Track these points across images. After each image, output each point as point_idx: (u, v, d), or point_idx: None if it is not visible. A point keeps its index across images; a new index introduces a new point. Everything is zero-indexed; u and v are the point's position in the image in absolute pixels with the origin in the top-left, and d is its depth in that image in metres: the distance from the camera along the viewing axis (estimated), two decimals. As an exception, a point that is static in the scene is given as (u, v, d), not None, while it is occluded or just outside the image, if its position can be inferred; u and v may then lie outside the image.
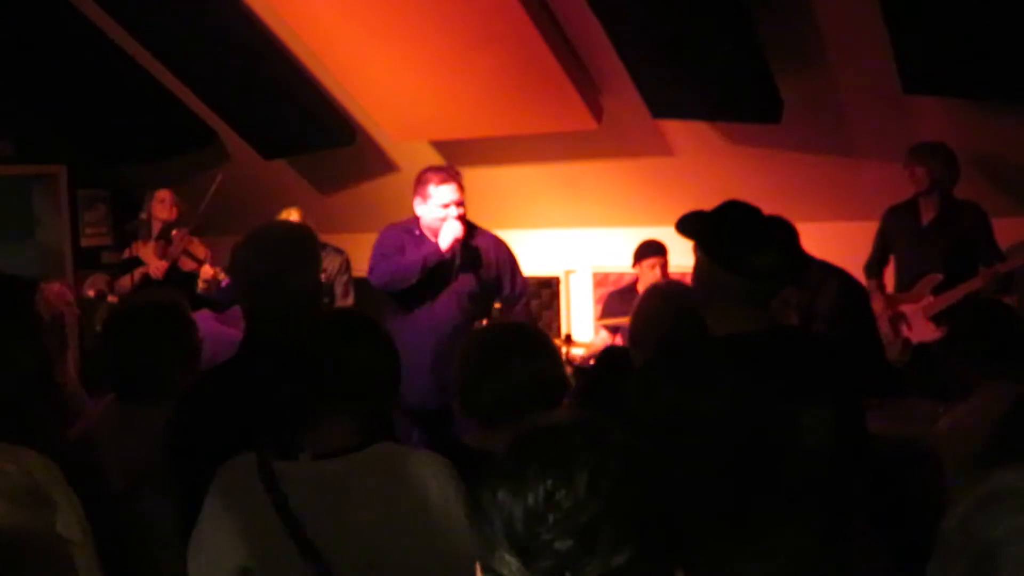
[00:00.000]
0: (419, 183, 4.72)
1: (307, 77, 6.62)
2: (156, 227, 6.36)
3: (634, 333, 3.31)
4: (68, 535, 1.38)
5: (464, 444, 2.36)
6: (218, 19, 6.29)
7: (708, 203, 2.46)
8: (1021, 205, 5.27)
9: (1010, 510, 1.03)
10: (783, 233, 2.41)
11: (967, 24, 4.33)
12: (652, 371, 2.42)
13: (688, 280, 2.62)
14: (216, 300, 5.52)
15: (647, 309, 3.24)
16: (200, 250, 6.29)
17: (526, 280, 5.05)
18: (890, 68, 4.67)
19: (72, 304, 5.13)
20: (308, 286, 2.52)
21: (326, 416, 2.00)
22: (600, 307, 6.23)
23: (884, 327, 5.02)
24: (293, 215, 5.96)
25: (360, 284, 6.34)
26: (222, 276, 5.84)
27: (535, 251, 7.11)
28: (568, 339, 5.87)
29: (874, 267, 5.38)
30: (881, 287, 5.35)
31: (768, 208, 2.43)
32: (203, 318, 3.08)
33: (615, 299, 5.86)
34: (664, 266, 5.56)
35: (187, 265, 6.21)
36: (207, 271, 6.01)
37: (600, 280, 6.95)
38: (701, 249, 2.41)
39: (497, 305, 4.84)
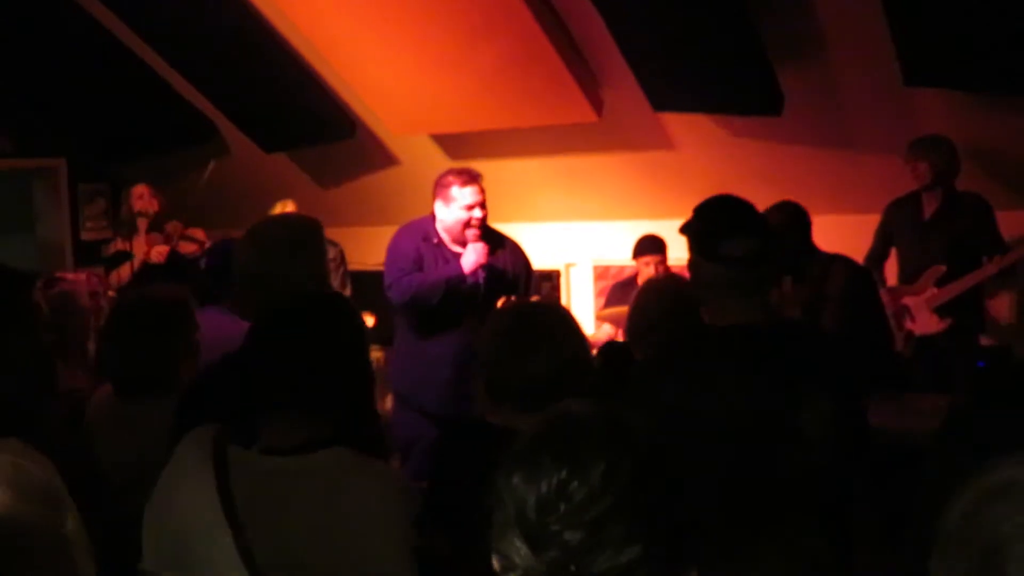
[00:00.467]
0: (440, 186, 4.60)
1: (307, 71, 6.60)
2: (141, 223, 6.33)
3: (630, 327, 3.32)
4: (73, 538, 1.38)
5: (489, 422, 2.33)
6: (218, 13, 6.28)
7: (708, 196, 2.47)
8: (1020, 197, 5.26)
9: (1016, 505, 1.02)
10: (759, 219, 2.41)
11: (968, 16, 4.32)
12: (649, 370, 2.43)
13: (687, 273, 2.63)
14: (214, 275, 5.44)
15: (643, 304, 3.25)
16: (199, 233, 6.29)
17: (538, 282, 5.02)
18: (891, 60, 4.66)
19: (98, 295, 5.11)
20: (308, 281, 2.50)
21: (280, 411, 1.98)
22: (603, 299, 6.23)
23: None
24: (288, 207, 5.94)
25: (356, 277, 6.33)
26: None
27: (536, 244, 7.09)
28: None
29: (874, 261, 5.38)
30: (881, 281, 5.34)
31: (768, 201, 2.43)
32: (214, 316, 3.04)
33: (616, 292, 5.86)
34: (662, 263, 5.55)
35: (187, 248, 6.19)
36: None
37: (601, 273, 6.94)
38: (687, 240, 2.43)
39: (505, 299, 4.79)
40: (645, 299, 3.25)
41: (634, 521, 1.06)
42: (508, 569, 1.10)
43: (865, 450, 2.41)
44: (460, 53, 5.70)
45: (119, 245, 6.41)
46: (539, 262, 7.04)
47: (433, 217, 4.66)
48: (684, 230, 2.43)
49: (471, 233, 4.56)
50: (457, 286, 4.54)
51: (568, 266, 7.14)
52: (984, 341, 5.16)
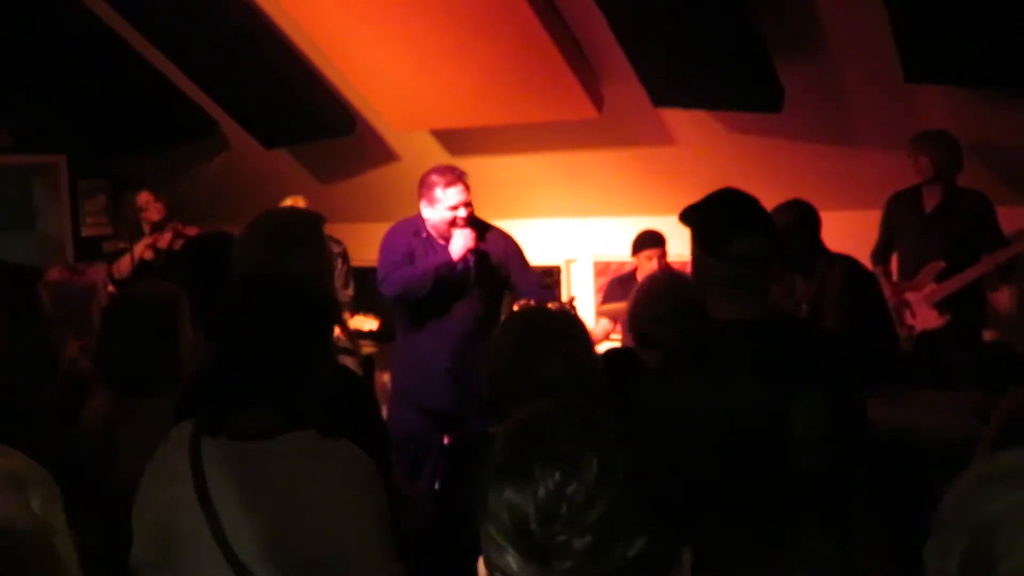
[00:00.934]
0: (424, 187, 4.64)
1: (308, 67, 6.60)
2: (146, 229, 6.44)
3: (632, 322, 3.31)
4: (49, 521, 1.39)
5: (490, 434, 2.32)
6: (219, 9, 6.28)
7: (708, 192, 2.47)
8: (1021, 193, 5.26)
9: (1009, 488, 1.04)
10: (766, 217, 2.41)
11: (969, 13, 4.31)
12: (666, 370, 2.43)
13: (687, 269, 2.63)
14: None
15: (643, 299, 3.24)
16: (194, 231, 6.34)
17: (538, 273, 5.01)
18: (891, 57, 4.65)
19: (99, 289, 5.13)
20: (296, 272, 2.48)
21: (244, 397, 1.99)
22: (602, 295, 6.23)
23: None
24: (299, 203, 5.97)
25: (359, 275, 6.34)
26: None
27: (536, 240, 7.10)
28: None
29: (880, 255, 5.39)
30: (888, 274, 5.35)
31: (769, 197, 2.42)
32: None
33: (616, 286, 5.86)
34: (662, 257, 5.56)
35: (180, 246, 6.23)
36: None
37: (601, 269, 6.94)
38: (692, 236, 2.42)
39: (515, 306, 4.80)
40: (648, 294, 3.25)
41: (636, 513, 1.02)
42: None
43: (865, 447, 2.41)
44: (461, 49, 5.69)
45: (120, 247, 6.47)
46: (539, 258, 7.05)
47: (423, 216, 4.72)
48: (690, 225, 2.42)
49: (460, 215, 4.60)
50: (447, 273, 4.58)
51: (568, 262, 7.14)
52: (986, 336, 5.16)
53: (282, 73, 6.60)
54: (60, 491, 1.67)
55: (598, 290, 6.78)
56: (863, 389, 2.49)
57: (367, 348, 6.26)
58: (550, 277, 7.16)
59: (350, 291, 6.00)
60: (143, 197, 6.48)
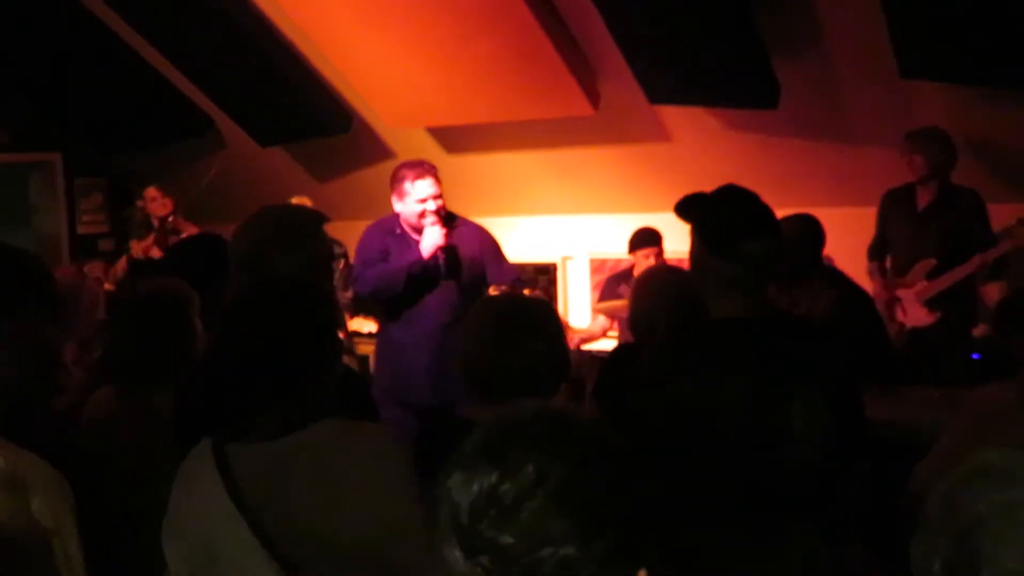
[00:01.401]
0: (394, 180, 4.68)
1: (303, 64, 6.60)
2: (156, 224, 6.46)
3: (632, 318, 3.31)
4: (45, 522, 1.39)
5: (459, 416, 2.35)
6: (215, 7, 6.27)
7: (704, 189, 2.46)
8: (1016, 190, 5.27)
9: (993, 486, 1.05)
10: (774, 218, 2.40)
11: (964, 9, 4.32)
12: (658, 370, 2.42)
13: (684, 265, 2.62)
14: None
15: (644, 294, 3.24)
16: (191, 229, 6.35)
17: (514, 267, 5.01)
18: (887, 53, 4.66)
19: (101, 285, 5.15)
20: (292, 269, 2.47)
21: (266, 395, 1.98)
22: (598, 292, 6.23)
23: (881, 312, 5.03)
24: (305, 203, 6.01)
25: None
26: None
27: (532, 238, 7.11)
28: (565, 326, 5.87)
29: (876, 250, 5.39)
30: (883, 270, 5.36)
31: (765, 194, 2.42)
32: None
33: (612, 284, 5.86)
34: (659, 255, 5.56)
35: (176, 241, 6.24)
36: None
37: (597, 266, 6.94)
38: (695, 233, 2.41)
39: (492, 290, 4.81)
40: (650, 291, 3.24)
41: (567, 521, 1.05)
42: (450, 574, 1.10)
43: (864, 446, 2.41)
44: (456, 46, 5.69)
45: (132, 248, 6.49)
46: (535, 255, 7.06)
47: (397, 214, 4.74)
48: (693, 222, 2.41)
49: (428, 220, 4.60)
50: (420, 272, 4.60)
51: (565, 259, 7.14)
52: (978, 332, 5.17)
53: (278, 71, 6.60)
54: (70, 490, 1.66)
55: (594, 287, 6.78)
56: (861, 387, 2.49)
57: (364, 348, 6.27)
58: (546, 274, 7.17)
59: (350, 293, 6.00)
60: (150, 192, 6.49)
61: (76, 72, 7.39)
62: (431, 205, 4.59)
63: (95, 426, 2.75)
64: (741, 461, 2.23)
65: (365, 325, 6.44)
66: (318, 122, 6.86)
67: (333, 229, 6.37)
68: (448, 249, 4.65)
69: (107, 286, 6.27)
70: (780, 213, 2.42)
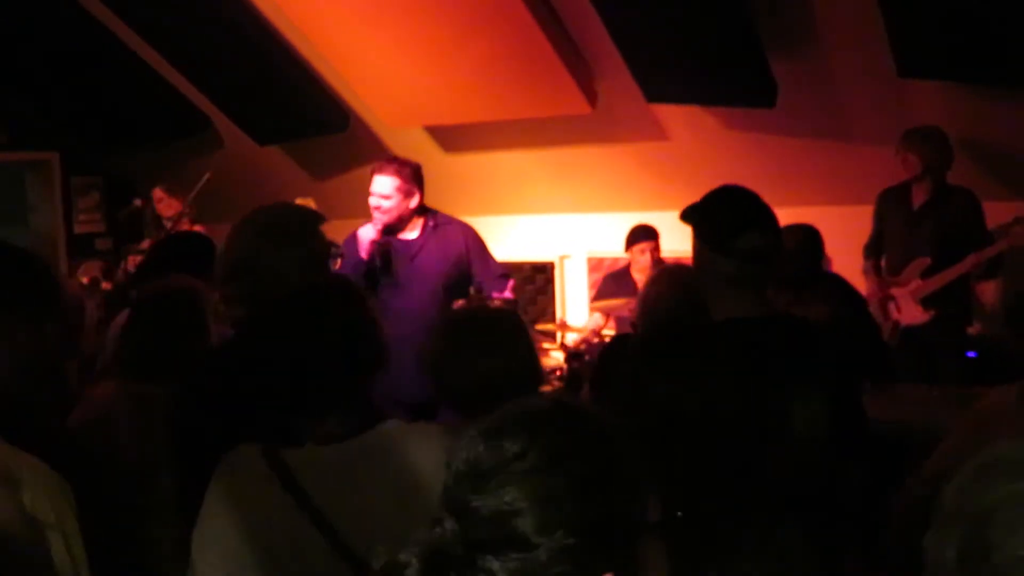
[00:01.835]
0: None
1: (301, 63, 6.60)
2: (166, 224, 6.49)
3: (640, 316, 3.30)
4: (40, 518, 1.39)
5: (440, 421, 2.37)
6: (212, 5, 6.27)
7: (702, 188, 2.47)
8: (1012, 189, 5.28)
9: (1005, 477, 1.06)
10: (771, 214, 2.40)
11: (962, 8, 4.32)
12: (641, 364, 2.43)
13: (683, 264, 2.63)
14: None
15: (652, 292, 3.23)
16: (198, 229, 6.36)
17: (500, 264, 4.97)
18: (885, 52, 4.67)
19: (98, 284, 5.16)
20: (287, 268, 2.47)
21: (324, 401, 1.98)
22: (595, 291, 6.24)
23: (875, 309, 5.04)
24: (309, 204, 6.01)
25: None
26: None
27: (529, 236, 7.11)
28: (563, 324, 5.88)
29: (873, 248, 5.40)
30: (878, 268, 5.37)
31: (762, 192, 2.43)
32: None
33: (609, 282, 5.86)
34: (655, 250, 5.56)
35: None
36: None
37: (595, 265, 6.95)
38: (695, 232, 2.42)
39: (472, 291, 4.77)
40: (655, 287, 3.23)
41: (530, 505, 1.09)
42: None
43: (864, 445, 2.41)
44: (454, 45, 5.70)
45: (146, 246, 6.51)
46: (533, 254, 7.07)
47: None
48: (692, 222, 2.42)
49: (376, 204, 4.51)
50: (369, 274, 4.52)
51: (562, 258, 7.15)
52: (973, 330, 5.18)
53: (275, 69, 6.60)
54: (70, 488, 1.66)
55: (591, 286, 6.79)
56: (861, 387, 2.50)
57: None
58: (543, 273, 7.18)
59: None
60: (157, 193, 6.52)
61: (73, 71, 7.40)
62: (374, 201, 4.51)
63: (94, 424, 2.75)
64: (740, 461, 2.23)
65: None
66: (316, 121, 6.86)
67: (330, 228, 6.37)
68: (384, 251, 4.54)
69: (105, 285, 6.28)
70: (778, 211, 2.43)
